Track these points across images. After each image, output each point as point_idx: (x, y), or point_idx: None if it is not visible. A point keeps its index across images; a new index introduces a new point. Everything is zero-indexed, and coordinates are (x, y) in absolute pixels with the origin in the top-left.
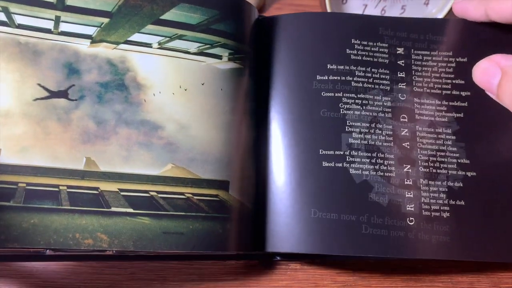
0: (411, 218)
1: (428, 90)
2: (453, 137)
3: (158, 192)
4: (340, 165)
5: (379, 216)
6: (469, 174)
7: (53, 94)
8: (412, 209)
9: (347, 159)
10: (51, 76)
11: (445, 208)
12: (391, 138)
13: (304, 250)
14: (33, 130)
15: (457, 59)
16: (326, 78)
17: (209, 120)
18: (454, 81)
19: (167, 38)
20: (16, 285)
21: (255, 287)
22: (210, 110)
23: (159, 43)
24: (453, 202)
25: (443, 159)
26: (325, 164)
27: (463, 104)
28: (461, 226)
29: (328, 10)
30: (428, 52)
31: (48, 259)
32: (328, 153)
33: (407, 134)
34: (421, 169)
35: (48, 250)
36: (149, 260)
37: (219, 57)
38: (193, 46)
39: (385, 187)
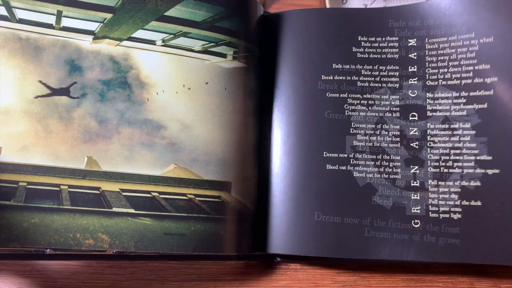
0: (416, 221)
1: (444, 82)
2: (472, 132)
3: (160, 192)
4: (344, 168)
5: (382, 219)
6: (490, 171)
7: (55, 92)
8: (418, 211)
9: (351, 162)
10: (53, 73)
11: (456, 209)
12: (398, 139)
13: (307, 253)
14: (34, 129)
15: (481, 40)
16: (331, 78)
17: (213, 120)
18: (477, 67)
19: (171, 35)
20: (16, 284)
21: (255, 287)
22: (214, 109)
23: (163, 40)
24: (467, 203)
25: (457, 157)
26: (329, 167)
27: (487, 93)
28: (475, 227)
29: None
30: (445, 38)
31: (48, 258)
32: (332, 155)
33: (417, 133)
34: (430, 169)
35: (48, 250)
36: (149, 260)
37: (223, 55)
38: (197, 44)
39: (390, 190)
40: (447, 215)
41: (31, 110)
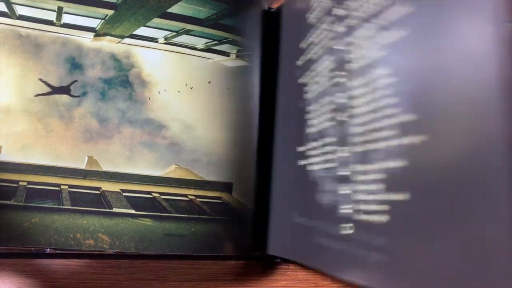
0: (350, 225)
1: (363, 15)
2: (394, 79)
3: (160, 193)
4: (303, 162)
5: (324, 221)
6: (417, 139)
7: (55, 90)
8: (350, 210)
9: (306, 154)
10: (53, 71)
11: (383, 207)
12: (333, 114)
13: (289, 256)
14: (34, 127)
15: None
16: (302, 62)
17: (215, 120)
18: None
19: (174, 33)
20: (16, 284)
21: (255, 287)
22: (216, 109)
23: (166, 38)
24: (394, 196)
25: (381, 124)
26: (299, 162)
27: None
28: (405, 236)
29: None
30: None
31: (49, 257)
32: (300, 149)
33: (344, 100)
34: (356, 147)
35: (48, 249)
36: (149, 260)
37: (226, 54)
38: (200, 42)
39: (325, 184)
40: (375, 216)
41: (31, 108)
